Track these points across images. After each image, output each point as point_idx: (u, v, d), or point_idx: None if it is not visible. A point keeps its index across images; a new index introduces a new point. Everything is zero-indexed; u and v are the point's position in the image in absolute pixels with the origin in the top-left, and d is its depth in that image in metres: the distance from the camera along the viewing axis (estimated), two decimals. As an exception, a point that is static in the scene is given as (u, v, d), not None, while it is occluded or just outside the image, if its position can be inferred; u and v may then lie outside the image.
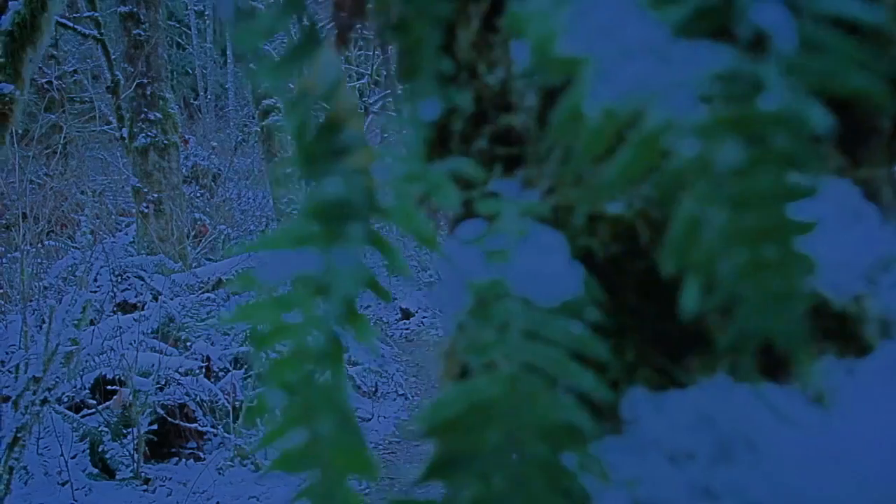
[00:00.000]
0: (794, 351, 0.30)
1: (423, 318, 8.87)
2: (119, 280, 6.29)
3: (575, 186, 0.41)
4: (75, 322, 3.77)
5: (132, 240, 6.85)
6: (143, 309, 6.04)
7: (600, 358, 0.34)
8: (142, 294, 6.30)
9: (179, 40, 17.43)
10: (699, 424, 0.39)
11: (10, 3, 2.07)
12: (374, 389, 6.22)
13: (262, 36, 0.33)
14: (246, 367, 5.28)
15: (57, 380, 3.69)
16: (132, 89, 6.55)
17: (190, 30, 17.65)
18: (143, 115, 6.53)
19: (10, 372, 4.48)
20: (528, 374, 0.32)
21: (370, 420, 5.67)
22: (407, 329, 8.61)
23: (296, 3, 0.33)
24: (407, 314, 8.92)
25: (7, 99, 2.06)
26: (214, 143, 12.06)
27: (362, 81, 15.22)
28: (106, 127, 10.26)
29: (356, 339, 0.30)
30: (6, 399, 3.44)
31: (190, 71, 17.69)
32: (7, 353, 4.80)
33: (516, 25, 0.35)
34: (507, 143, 0.47)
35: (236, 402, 4.93)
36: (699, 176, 0.26)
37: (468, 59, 0.47)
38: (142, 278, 6.27)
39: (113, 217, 8.84)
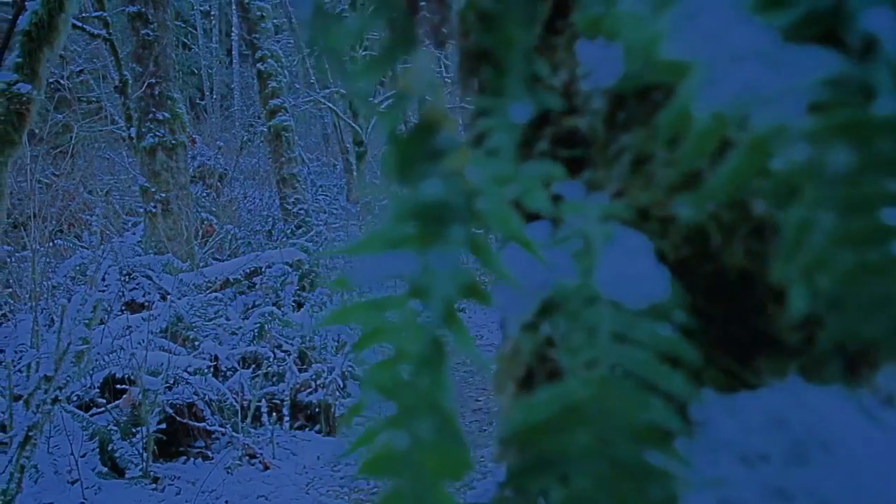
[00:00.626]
0: (889, 353, 0.30)
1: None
2: (127, 279, 6.30)
3: (646, 189, 0.41)
4: (86, 321, 3.78)
5: (140, 239, 6.86)
6: (150, 308, 6.05)
7: (689, 360, 0.34)
8: (149, 293, 6.31)
9: (185, 40, 17.44)
10: (772, 426, 0.39)
11: (28, 3, 2.08)
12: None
13: (349, 37, 0.33)
14: (253, 366, 5.29)
15: (68, 379, 3.70)
16: (141, 89, 6.56)
17: (196, 30, 17.67)
18: (151, 115, 6.54)
19: (20, 371, 4.50)
20: (618, 376, 0.33)
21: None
22: (413, 329, 8.62)
23: (390, 2, 0.33)
24: (413, 314, 8.93)
25: (24, 98, 2.07)
26: (221, 143, 12.08)
27: (368, 81, 15.22)
28: (113, 127, 10.27)
29: (455, 344, 0.30)
30: (18, 398, 3.45)
31: (196, 71, 17.71)
32: (16, 352, 4.82)
33: (601, 28, 0.35)
34: (569, 145, 0.48)
35: (244, 402, 4.94)
36: (809, 181, 0.26)
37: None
38: (150, 277, 6.28)
39: (120, 217, 8.86)
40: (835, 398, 0.39)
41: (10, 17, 2.01)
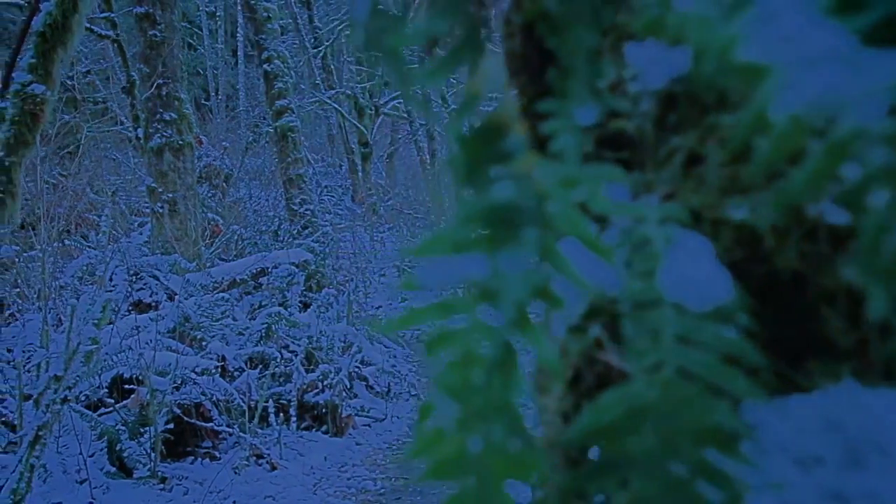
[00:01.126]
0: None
1: (435, 319, 8.87)
2: (134, 279, 6.31)
3: (698, 191, 0.41)
4: (95, 321, 3.79)
5: (147, 240, 6.87)
6: (157, 308, 6.06)
7: (754, 363, 0.34)
8: (156, 293, 6.33)
9: (191, 41, 17.47)
10: (826, 429, 0.39)
11: (42, 4, 2.09)
12: (387, 390, 6.23)
13: (412, 39, 0.33)
14: (260, 367, 5.30)
15: (77, 378, 3.70)
16: (148, 90, 6.57)
17: (201, 30, 17.69)
18: (158, 116, 6.55)
19: (29, 371, 4.51)
20: (683, 378, 0.33)
21: (384, 420, 5.68)
22: (419, 330, 8.62)
23: (457, 3, 0.33)
24: (418, 315, 8.93)
25: (39, 99, 2.08)
26: (226, 144, 12.08)
27: (372, 82, 15.27)
28: (119, 127, 10.29)
29: (526, 344, 0.30)
30: (28, 397, 3.45)
31: (201, 71, 17.73)
32: (25, 352, 4.83)
33: (662, 30, 0.35)
34: (615, 147, 0.48)
35: (251, 402, 4.95)
36: (889, 184, 0.26)
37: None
38: (157, 278, 6.29)
39: (126, 217, 8.87)
40: (891, 401, 0.39)
41: (12, 17, 2.01)
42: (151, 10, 6.55)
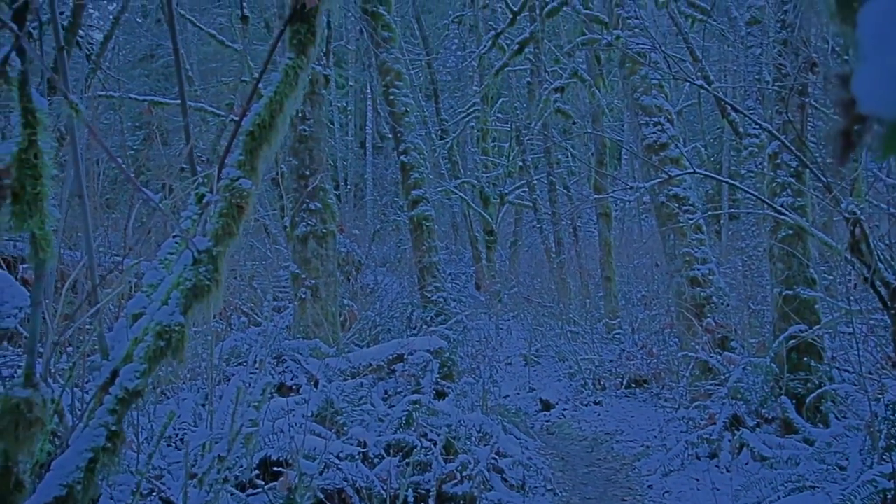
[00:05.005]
0: None
1: (564, 410, 8.68)
2: (276, 363, 6.51)
3: None
4: (255, 404, 3.91)
5: (289, 324, 7.11)
6: (298, 392, 6.21)
7: None
8: (297, 377, 6.49)
9: (323, 134, 18.38)
10: None
11: (252, 105, 2.24)
12: (521, 483, 6.08)
13: None
14: (401, 454, 5.28)
15: (236, 460, 3.80)
16: (295, 181, 6.91)
17: (332, 124, 18.62)
18: (304, 205, 6.86)
19: (178, 448, 4.67)
20: None
21: (522, 516, 5.53)
22: (547, 421, 8.44)
23: None
24: (547, 405, 8.76)
25: (245, 193, 2.19)
26: (356, 231, 12.50)
27: (498, 172, 15.57)
28: (263, 215, 10.83)
29: None
30: (193, 476, 3.56)
31: (332, 162, 18.59)
32: (175, 431, 5.01)
33: None
34: None
35: (392, 490, 4.92)
36: None
37: None
38: (298, 362, 6.47)
39: (262, 301, 9.22)
40: None
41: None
42: (302, 107, 6.95)
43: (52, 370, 2.79)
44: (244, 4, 4.22)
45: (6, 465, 1.72)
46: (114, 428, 2.03)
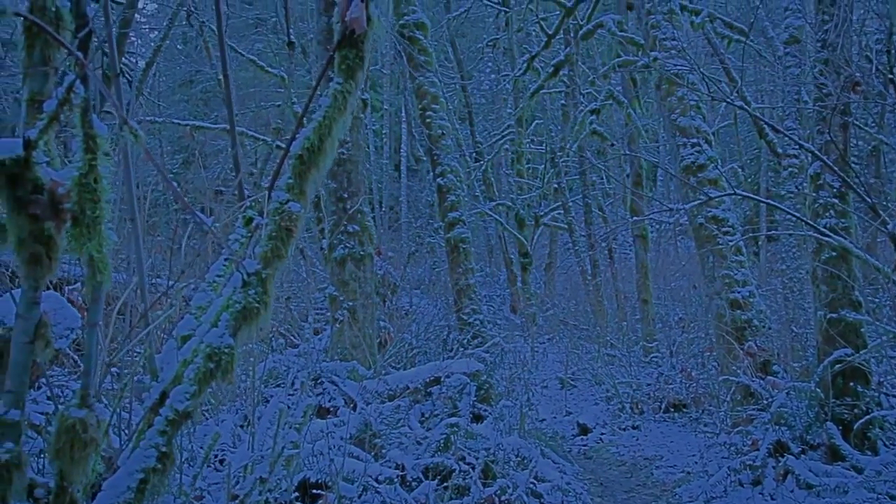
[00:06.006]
0: None
1: (601, 434, 8.57)
2: (314, 384, 6.53)
3: None
4: (296, 425, 3.92)
5: (325, 346, 7.13)
6: (336, 413, 6.21)
7: None
8: (334, 399, 6.50)
9: (358, 157, 18.53)
10: None
11: (301, 130, 2.27)
12: (561, 509, 6.00)
13: None
14: (439, 478, 5.25)
15: (277, 482, 3.81)
16: (334, 204, 6.96)
17: (368, 147, 18.80)
18: (342, 228, 6.90)
19: (216, 469, 4.69)
20: None
21: (563, 541, 5.45)
22: (585, 445, 8.34)
23: None
24: (584, 430, 8.66)
25: (294, 216, 2.21)
26: (391, 254, 12.55)
27: (533, 194, 15.54)
28: (299, 238, 10.92)
29: None
30: (234, 497, 3.57)
31: (367, 185, 18.75)
32: (214, 451, 5.04)
33: None
34: None
35: (431, 514, 4.89)
36: None
37: None
38: (335, 383, 6.48)
39: (297, 323, 9.30)
40: None
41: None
42: (340, 131, 7.02)
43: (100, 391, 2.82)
44: (291, 31, 4.29)
45: (62, 484, 1.75)
46: (164, 449, 2.05)
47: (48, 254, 1.63)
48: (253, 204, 2.42)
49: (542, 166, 15.70)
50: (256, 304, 2.19)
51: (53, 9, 1.73)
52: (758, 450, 5.97)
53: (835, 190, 6.00)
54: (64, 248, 1.67)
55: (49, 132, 1.53)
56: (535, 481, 5.87)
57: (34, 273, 1.63)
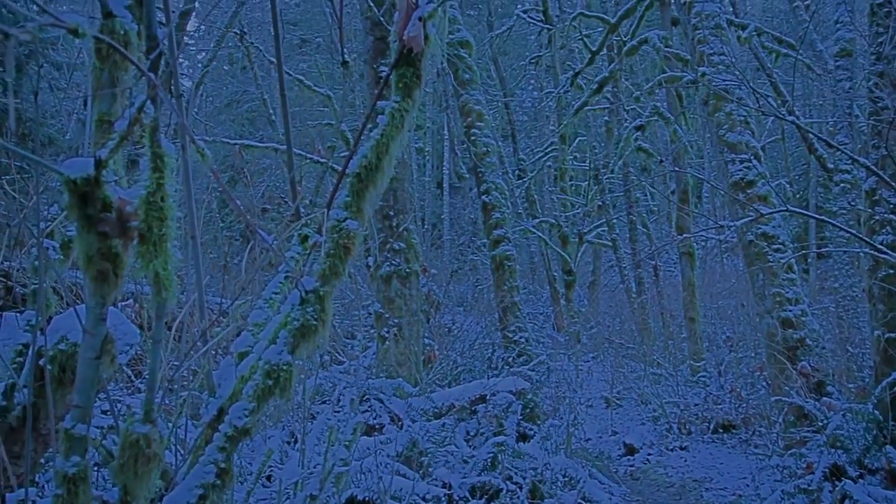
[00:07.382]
0: None
1: (648, 455, 8.42)
2: (360, 402, 6.54)
3: None
4: (346, 443, 3.92)
5: (370, 363, 7.15)
6: (381, 431, 6.21)
7: None
8: (380, 416, 6.51)
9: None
10: None
11: (359, 148, 2.28)
12: (609, 531, 5.90)
13: None
14: (485, 497, 5.21)
15: (326, 499, 3.81)
16: (380, 221, 7.00)
17: (411, 164, 18.90)
18: (388, 245, 6.93)
19: (263, 486, 4.72)
20: None
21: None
22: (631, 465, 8.20)
23: None
24: (631, 450, 8.52)
25: (351, 234, 2.22)
26: (434, 271, 12.56)
27: (577, 212, 15.46)
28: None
29: None
30: (285, 514, 3.58)
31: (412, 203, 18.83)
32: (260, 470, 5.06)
33: None
34: None
35: (477, 534, 4.85)
36: None
37: None
38: (381, 401, 6.48)
39: (354, 341, 9.34)
40: None
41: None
42: (386, 149, 7.06)
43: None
44: (345, 50, 4.34)
45: (125, 499, 1.76)
46: (223, 465, 2.06)
47: (115, 271, 1.65)
48: (308, 222, 2.44)
49: (586, 183, 15.63)
50: (314, 322, 2.20)
51: (122, 31, 1.77)
52: (813, 473, 5.81)
53: (892, 206, 5.85)
54: (130, 266, 1.69)
55: (118, 151, 1.56)
56: (583, 502, 5.80)
57: (101, 290, 1.65)
